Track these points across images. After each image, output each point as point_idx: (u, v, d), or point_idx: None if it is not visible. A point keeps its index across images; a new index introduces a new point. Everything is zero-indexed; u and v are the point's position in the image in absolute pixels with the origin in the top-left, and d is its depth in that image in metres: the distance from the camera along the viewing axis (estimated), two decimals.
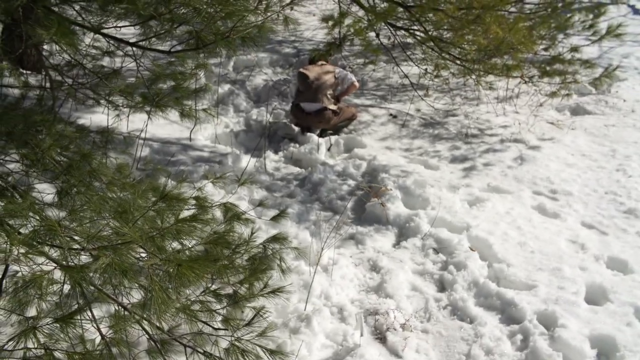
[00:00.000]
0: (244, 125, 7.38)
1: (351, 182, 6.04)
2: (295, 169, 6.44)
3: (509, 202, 5.57)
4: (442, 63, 7.23)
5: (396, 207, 5.34)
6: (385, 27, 7.22)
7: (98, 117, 6.12)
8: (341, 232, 5.07)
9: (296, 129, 7.29)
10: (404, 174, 5.97)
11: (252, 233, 3.68)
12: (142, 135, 6.23)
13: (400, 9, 6.46)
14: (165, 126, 6.88)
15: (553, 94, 7.56)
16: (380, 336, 3.92)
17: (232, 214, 3.86)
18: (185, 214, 3.33)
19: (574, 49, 7.24)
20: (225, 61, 9.25)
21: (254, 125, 7.35)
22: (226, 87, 8.28)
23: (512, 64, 6.28)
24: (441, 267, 4.59)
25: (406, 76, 7.95)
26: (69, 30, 3.47)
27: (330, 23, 7.02)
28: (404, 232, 5.11)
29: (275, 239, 3.68)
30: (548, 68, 7.12)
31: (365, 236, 4.99)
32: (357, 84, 7.33)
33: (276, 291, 3.32)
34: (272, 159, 6.68)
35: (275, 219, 4.12)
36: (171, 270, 2.64)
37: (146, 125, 6.16)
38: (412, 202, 5.55)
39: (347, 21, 7.64)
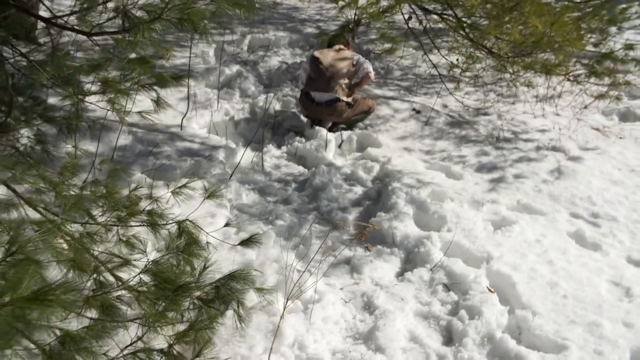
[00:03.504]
0: (248, 112, 6.59)
1: (359, 189, 5.22)
2: (298, 168, 5.63)
3: (541, 226, 4.70)
4: (473, 55, 6.32)
5: (405, 226, 4.50)
6: (413, 10, 6.36)
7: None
8: (335, 253, 4.25)
9: (305, 120, 6.47)
10: (419, 184, 5.13)
11: (205, 267, 2.89)
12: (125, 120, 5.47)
13: None
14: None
15: (600, 96, 6.62)
16: None
17: (186, 239, 3.08)
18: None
19: (629, 46, 6.28)
20: (240, 39, 8.44)
21: (259, 114, 6.55)
22: (234, 68, 7.47)
23: (553, 62, 5.35)
24: (451, 311, 3.74)
25: (434, 66, 7.07)
26: None
27: (340, 3, 6.04)
28: (412, 258, 4.28)
29: (232, 277, 2.87)
30: (597, 66, 6.18)
31: (364, 262, 4.17)
32: (372, 75, 6.47)
33: None
34: (274, 155, 5.88)
35: (244, 243, 3.32)
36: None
37: (126, 109, 5.38)
38: (425, 219, 4.71)
39: (362, 1, 6.69)
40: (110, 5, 2.85)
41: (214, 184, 4.86)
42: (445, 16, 6.07)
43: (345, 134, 6.20)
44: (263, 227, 4.48)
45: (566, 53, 5.36)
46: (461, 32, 6.05)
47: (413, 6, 6.17)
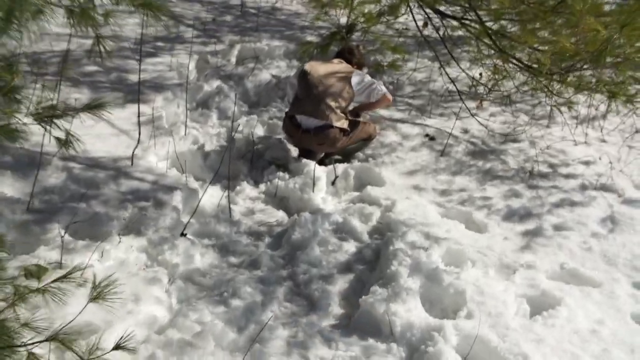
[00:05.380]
0: (224, 139, 5.39)
1: (351, 246, 4.00)
2: (276, 215, 4.42)
3: (596, 306, 3.45)
4: (502, 69, 5.05)
5: (408, 311, 3.25)
6: (426, 14, 5.12)
7: None
8: (307, 354, 3.02)
9: (292, 149, 5.25)
10: (430, 241, 3.89)
11: None
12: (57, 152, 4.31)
13: None
14: (110, 137, 4.94)
15: None
16: None
17: None
18: None
19: None
20: (227, 49, 7.23)
21: (238, 141, 5.34)
22: (215, 83, 6.28)
23: (616, 81, 4.05)
24: None
25: (452, 81, 5.79)
26: None
27: (320, 3, 4.68)
28: (416, 359, 3.04)
29: None
30: None
31: None
32: (390, 97, 5.25)
33: None
34: (248, 195, 4.67)
35: None
36: None
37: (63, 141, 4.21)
38: (437, 295, 3.47)
39: None
40: None
41: (156, 244, 3.67)
42: (466, 21, 4.85)
43: (340, 167, 4.97)
44: (209, 312, 3.25)
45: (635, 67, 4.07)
46: (486, 40, 4.81)
47: (425, 9, 4.94)
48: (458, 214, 4.41)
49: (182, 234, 3.89)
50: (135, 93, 5.64)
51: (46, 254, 3.38)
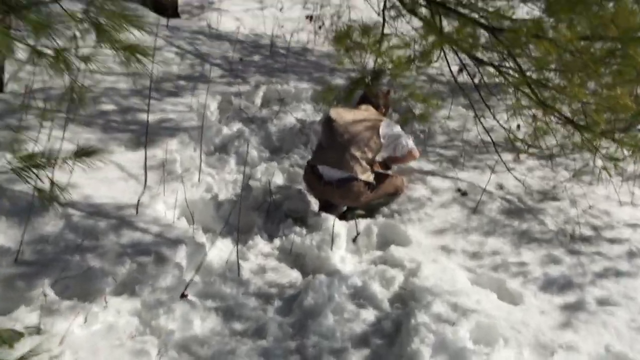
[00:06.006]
0: (240, 187, 5.06)
1: (369, 315, 3.59)
2: (290, 275, 4.04)
3: None
4: (542, 122, 4.65)
5: None
6: (460, 60, 4.75)
7: None
8: None
9: (313, 201, 4.89)
10: (458, 313, 3.48)
11: None
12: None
13: (482, 32, 3.98)
14: (117, 182, 4.64)
15: None
16: None
17: None
18: None
19: None
20: (252, 90, 6.94)
21: (255, 190, 5.01)
22: (236, 126, 5.97)
23: None
24: None
25: (487, 132, 5.38)
26: None
27: (344, 46, 4.22)
28: None
29: None
30: None
31: None
32: (416, 153, 4.91)
33: None
34: (261, 251, 4.31)
35: None
36: None
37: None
38: None
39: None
40: None
41: (151, 307, 3.32)
42: (505, 69, 4.47)
43: (363, 223, 4.59)
44: None
45: None
46: (526, 90, 4.44)
47: (460, 55, 4.58)
48: (490, 281, 3.98)
49: (183, 295, 3.52)
50: (150, 134, 5.36)
51: (25, 316, 3.04)
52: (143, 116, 5.74)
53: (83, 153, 2.66)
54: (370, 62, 4.12)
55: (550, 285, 3.98)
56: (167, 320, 3.27)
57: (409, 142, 4.82)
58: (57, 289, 3.33)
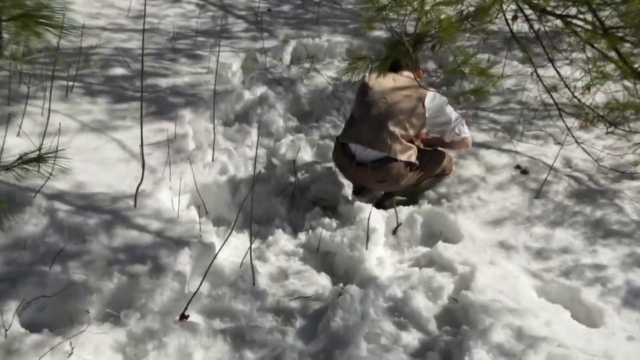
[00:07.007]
0: (263, 165, 4.38)
1: (412, 339, 2.90)
2: (317, 280, 3.36)
3: None
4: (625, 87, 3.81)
5: None
6: (520, 8, 3.88)
7: None
8: None
9: (346, 183, 4.18)
10: (523, 340, 2.76)
11: None
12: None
13: None
14: (116, 165, 3.98)
15: None
16: None
17: None
18: None
19: None
20: (280, 45, 6.16)
21: (278, 169, 4.32)
22: (259, 90, 5.24)
23: None
24: None
25: (548, 92, 4.46)
26: None
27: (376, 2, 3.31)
28: None
29: None
30: None
31: None
32: (469, 141, 4.15)
33: None
34: (282, 249, 3.63)
35: None
36: None
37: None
38: None
39: None
40: None
41: (138, 340, 2.68)
42: (576, 20, 3.61)
43: (405, 211, 3.86)
44: None
45: None
46: (600, 44, 3.62)
47: (523, 7, 3.73)
48: (560, 293, 3.25)
49: (182, 317, 2.87)
50: (161, 102, 4.69)
51: None
52: (157, 81, 5.06)
53: (29, 160, 1.97)
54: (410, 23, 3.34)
55: (636, 297, 3.23)
56: (159, 356, 2.63)
57: (463, 129, 4.01)
58: (25, 316, 2.71)
